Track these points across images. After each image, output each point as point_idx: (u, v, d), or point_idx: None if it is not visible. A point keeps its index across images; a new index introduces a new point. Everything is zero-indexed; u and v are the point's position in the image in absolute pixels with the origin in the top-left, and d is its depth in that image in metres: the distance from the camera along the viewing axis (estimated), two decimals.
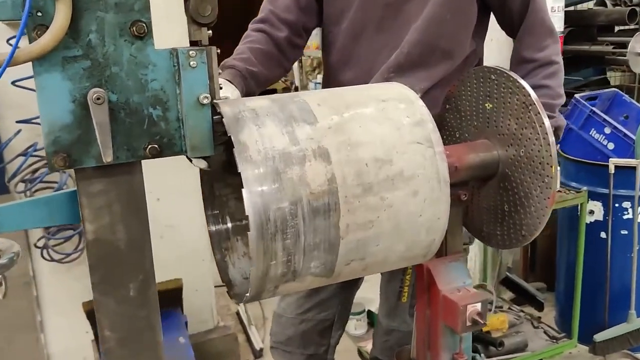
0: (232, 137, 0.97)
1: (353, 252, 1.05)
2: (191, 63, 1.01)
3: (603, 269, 2.82)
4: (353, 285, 1.76)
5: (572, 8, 3.91)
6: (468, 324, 1.24)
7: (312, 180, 0.99)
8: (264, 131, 1.00)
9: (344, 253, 1.03)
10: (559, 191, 2.71)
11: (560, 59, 1.65)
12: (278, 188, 0.97)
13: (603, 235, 2.83)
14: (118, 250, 1.07)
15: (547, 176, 1.20)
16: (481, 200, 1.40)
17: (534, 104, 1.21)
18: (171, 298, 2.35)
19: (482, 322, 1.24)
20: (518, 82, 1.24)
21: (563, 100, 1.63)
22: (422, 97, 1.52)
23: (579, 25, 3.74)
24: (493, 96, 1.32)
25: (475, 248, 3.27)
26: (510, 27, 1.67)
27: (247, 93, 1.49)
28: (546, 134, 1.19)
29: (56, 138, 0.96)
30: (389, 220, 1.05)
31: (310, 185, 0.99)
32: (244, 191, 0.94)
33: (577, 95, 3.03)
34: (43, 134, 0.96)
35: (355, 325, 3.17)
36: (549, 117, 1.53)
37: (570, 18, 3.58)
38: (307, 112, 1.05)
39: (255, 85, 1.55)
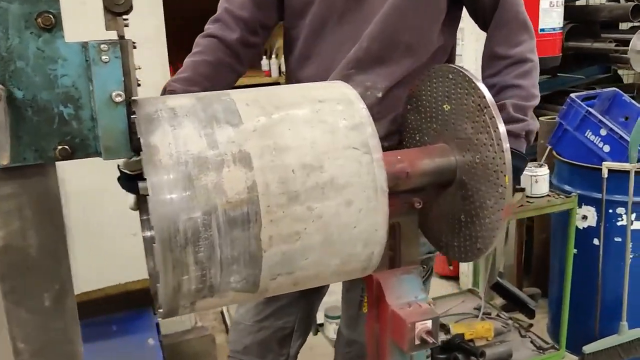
0: (141, 140, 0.90)
1: (279, 266, 0.96)
2: (103, 57, 0.93)
3: (595, 277, 2.71)
4: (315, 292, 1.67)
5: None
6: (417, 342, 1.15)
7: (230, 187, 0.90)
8: (179, 132, 0.92)
9: (268, 267, 0.95)
10: (547, 195, 2.60)
11: (535, 56, 1.54)
12: (190, 196, 0.88)
13: (596, 241, 2.72)
14: (29, 257, 0.99)
15: (501, 186, 1.10)
16: (440, 209, 1.31)
17: (489, 106, 1.11)
18: (140, 298, 2.29)
19: (432, 341, 1.15)
20: (474, 82, 1.15)
21: (537, 101, 1.52)
22: (383, 96, 1.44)
23: (580, 21, 3.61)
24: (451, 97, 1.23)
25: None
26: (483, 20, 1.56)
27: None
28: (500, 139, 1.09)
29: None
30: (319, 232, 0.97)
31: (227, 194, 0.90)
32: (149, 199, 0.86)
33: (572, 95, 2.90)
34: None
35: (335, 330, 3.08)
36: (518, 120, 1.43)
37: (571, 13, 3.45)
38: (232, 112, 0.97)
39: None
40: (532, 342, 2.67)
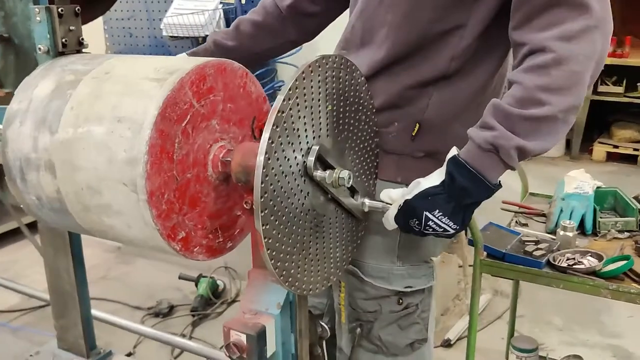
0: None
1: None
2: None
3: None
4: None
5: None
6: (229, 349, 1.13)
7: (45, 187, 1.13)
8: (22, 130, 1.13)
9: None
10: None
11: (568, 46, 1.01)
12: (24, 184, 1.16)
13: None
14: None
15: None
16: None
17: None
18: None
19: (237, 354, 1.11)
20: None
21: (542, 110, 1.02)
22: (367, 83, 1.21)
23: None
24: None
25: None
26: None
27: None
28: None
29: None
30: (116, 235, 1.10)
31: (45, 190, 1.13)
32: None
33: None
34: None
35: None
36: (487, 126, 1.06)
37: None
38: (57, 116, 1.09)
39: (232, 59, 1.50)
40: None
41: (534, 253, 1.60)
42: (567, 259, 1.59)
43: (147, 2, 2.87)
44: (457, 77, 1.22)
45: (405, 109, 1.25)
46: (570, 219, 1.76)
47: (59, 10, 1.21)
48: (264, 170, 0.91)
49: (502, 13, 1.17)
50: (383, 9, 1.24)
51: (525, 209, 1.94)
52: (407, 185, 1.18)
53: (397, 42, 1.23)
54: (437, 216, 1.08)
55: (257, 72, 2.42)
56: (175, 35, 2.66)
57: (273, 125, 0.91)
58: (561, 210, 1.82)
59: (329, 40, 1.56)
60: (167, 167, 1.00)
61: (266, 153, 0.91)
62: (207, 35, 2.60)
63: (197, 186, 1.07)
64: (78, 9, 1.24)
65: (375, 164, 1.27)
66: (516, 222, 1.88)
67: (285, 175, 0.97)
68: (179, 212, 1.05)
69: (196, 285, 3.06)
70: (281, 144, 0.94)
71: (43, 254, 1.56)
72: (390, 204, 1.15)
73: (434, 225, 1.09)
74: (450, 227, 1.09)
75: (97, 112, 1.04)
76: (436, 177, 1.10)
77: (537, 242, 1.67)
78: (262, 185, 0.91)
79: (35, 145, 1.11)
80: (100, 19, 2.84)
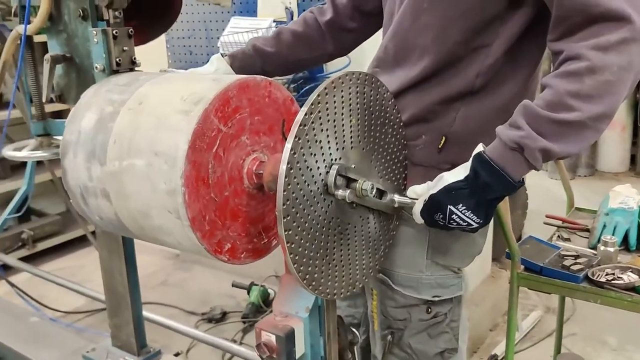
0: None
1: None
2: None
3: None
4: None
5: None
6: (260, 348, 1.20)
7: (105, 210, 1.23)
8: (77, 161, 1.24)
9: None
10: None
11: (600, 57, 1.02)
12: (88, 208, 1.27)
13: None
14: None
15: None
16: None
17: None
18: None
19: (267, 354, 1.18)
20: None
21: (571, 115, 1.05)
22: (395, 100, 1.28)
23: None
24: None
25: None
26: None
27: (254, 72, 1.50)
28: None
29: None
30: (172, 246, 1.20)
31: (105, 212, 1.24)
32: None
33: None
34: None
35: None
36: (514, 126, 1.11)
37: None
38: (103, 150, 1.18)
39: (268, 65, 1.57)
40: None
41: (572, 267, 1.59)
42: (607, 274, 1.57)
43: (206, 21, 3.02)
44: (483, 93, 1.26)
45: (433, 123, 1.29)
46: (613, 234, 1.74)
47: (114, 32, 1.32)
48: (286, 179, 0.97)
49: (527, 33, 1.23)
50: (415, 32, 1.30)
51: (568, 223, 1.93)
52: None
53: (428, 62, 1.28)
54: (460, 210, 1.12)
55: (306, 88, 2.50)
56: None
57: (295, 137, 0.98)
58: (604, 226, 1.79)
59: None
60: (204, 192, 1.07)
61: (288, 163, 0.97)
62: None
63: (235, 200, 1.14)
64: (131, 31, 1.36)
65: (403, 175, 1.31)
66: (558, 236, 1.87)
67: (308, 184, 1.03)
68: (222, 228, 1.12)
69: (248, 293, 3.16)
70: (303, 154, 1.00)
71: (99, 256, 1.69)
72: (417, 199, 1.19)
73: (457, 219, 1.12)
74: (474, 221, 1.13)
75: (137, 146, 1.13)
76: (460, 172, 1.14)
77: (576, 257, 1.66)
78: (285, 193, 0.98)
79: (90, 175, 1.21)
80: (162, 38, 3.01)
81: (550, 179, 4.87)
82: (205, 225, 1.09)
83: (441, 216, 1.13)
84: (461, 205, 1.11)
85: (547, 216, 1.97)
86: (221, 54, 1.61)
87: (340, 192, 1.08)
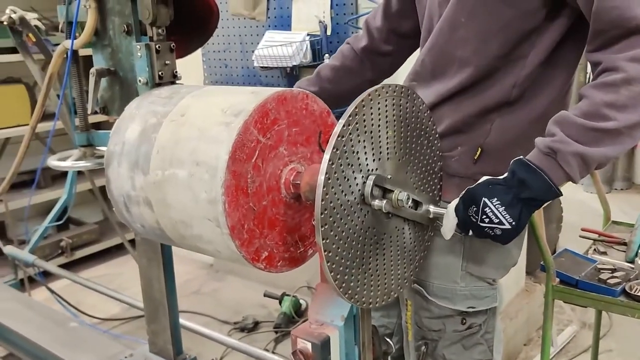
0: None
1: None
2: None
3: None
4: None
5: None
6: (296, 356, 1.23)
7: (147, 218, 1.28)
8: (120, 171, 1.29)
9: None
10: None
11: (636, 69, 1.04)
12: (130, 215, 1.32)
13: None
14: None
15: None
16: None
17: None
18: None
19: None
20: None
21: (608, 124, 1.07)
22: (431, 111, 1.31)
23: None
24: None
25: None
26: None
27: None
28: None
29: None
30: (211, 254, 1.24)
31: (147, 221, 1.29)
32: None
33: None
34: None
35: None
36: (549, 133, 1.14)
37: None
38: (147, 160, 1.23)
39: None
40: None
41: (609, 281, 1.58)
42: None
43: (241, 35, 3.08)
44: (519, 104, 1.27)
45: (469, 134, 1.31)
46: None
47: (157, 46, 1.37)
48: (324, 189, 1.00)
49: (563, 42, 1.24)
50: (453, 45, 1.32)
51: (604, 236, 1.90)
52: None
53: (466, 74, 1.30)
54: (494, 204, 1.12)
55: None
56: (266, 65, 2.83)
57: (333, 148, 1.01)
58: None
59: None
60: (243, 202, 1.11)
61: (326, 173, 1.00)
62: (294, 66, 2.77)
63: (273, 209, 1.17)
64: (173, 46, 1.41)
65: (439, 186, 1.32)
66: (594, 249, 1.85)
67: (345, 194, 1.05)
68: (260, 237, 1.15)
69: (280, 303, 3.18)
70: (341, 165, 1.03)
71: (138, 263, 1.74)
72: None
73: (490, 214, 1.12)
74: (506, 220, 1.12)
75: (179, 157, 1.17)
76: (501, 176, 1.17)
77: (613, 271, 1.65)
78: (323, 203, 1.00)
79: (133, 184, 1.26)
80: (199, 52, 3.08)
81: (586, 192, 4.79)
82: (244, 234, 1.12)
83: (475, 209, 1.13)
84: (496, 199, 1.12)
85: (582, 229, 1.95)
86: None
87: (376, 203, 1.09)
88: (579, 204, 4.38)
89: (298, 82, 1.70)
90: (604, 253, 1.82)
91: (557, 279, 1.64)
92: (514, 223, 1.12)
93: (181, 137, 1.19)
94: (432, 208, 1.23)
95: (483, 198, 1.13)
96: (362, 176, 1.09)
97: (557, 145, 1.09)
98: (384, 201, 1.10)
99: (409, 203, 1.16)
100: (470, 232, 1.16)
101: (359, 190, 1.08)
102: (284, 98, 1.16)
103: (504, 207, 1.11)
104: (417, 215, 1.22)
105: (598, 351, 2.21)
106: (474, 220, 1.14)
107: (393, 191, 1.13)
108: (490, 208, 1.12)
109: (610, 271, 1.64)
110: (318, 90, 1.61)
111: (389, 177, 1.14)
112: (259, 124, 1.12)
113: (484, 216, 1.13)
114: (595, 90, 1.08)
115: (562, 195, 1.14)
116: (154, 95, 1.34)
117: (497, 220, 1.12)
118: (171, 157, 1.19)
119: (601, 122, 1.06)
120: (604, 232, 1.96)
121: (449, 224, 1.18)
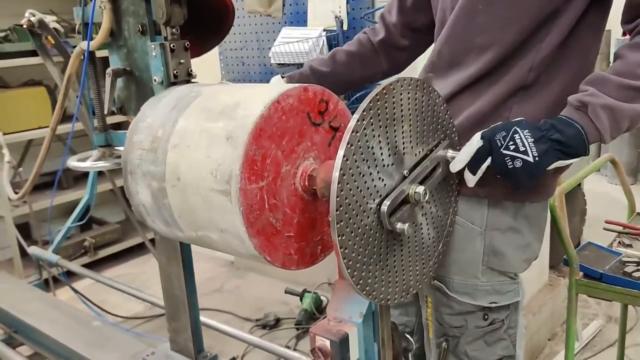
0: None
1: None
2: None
3: None
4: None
5: None
6: (314, 353, 1.22)
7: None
8: (159, 225, 1.30)
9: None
10: None
11: None
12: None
13: None
14: None
15: None
16: None
17: None
18: None
19: (322, 359, 1.19)
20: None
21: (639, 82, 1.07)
22: (447, 103, 1.29)
23: None
24: None
25: None
26: None
27: None
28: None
29: None
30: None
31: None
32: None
33: None
34: None
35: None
36: (581, 90, 1.16)
37: None
38: (175, 222, 1.24)
39: (324, 84, 1.55)
40: None
41: (634, 274, 1.55)
42: None
43: (257, 32, 3.08)
44: (534, 89, 1.27)
45: (487, 124, 1.28)
46: None
47: (171, 46, 1.37)
48: (339, 185, 0.99)
49: (579, 24, 1.25)
50: (470, 32, 1.30)
51: (630, 229, 1.87)
52: (490, 200, 1.26)
53: (484, 61, 1.29)
54: (524, 134, 1.13)
55: (356, 96, 2.52)
56: (282, 62, 2.82)
57: (347, 144, 0.99)
58: None
59: None
60: (270, 232, 1.11)
61: (341, 169, 0.99)
62: None
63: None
64: (187, 44, 1.40)
65: (456, 180, 1.30)
66: (619, 242, 1.81)
67: (361, 190, 1.04)
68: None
69: (301, 300, 3.19)
70: (356, 161, 1.01)
71: (158, 262, 1.74)
72: None
73: (518, 141, 1.12)
74: (531, 151, 1.11)
75: (201, 224, 1.18)
76: None
77: (639, 264, 1.61)
78: (338, 199, 0.99)
79: (176, 235, 1.29)
80: (216, 50, 3.08)
81: (610, 184, 4.71)
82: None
83: (503, 134, 1.14)
84: (527, 131, 1.13)
85: (606, 222, 1.91)
86: (281, 76, 1.66)
87: (399, 226, 1.08)
88: (603, 196, 4.30)
89: (310, 60, 1.69)
90: (629, 246, 1.79)
91: (581, 273, 1.61)
92: (537, 157, 1.12)
93: (192, 205, 1.17)
94: (449, 152, 1.22)
95: (514, 126, 1.14)
96: (378, 171, 1.07)
97: (587, 99, 1.11)
98: (406, 225, 1.07)
99: (427, 198, 1.14)
100: (488, 161, 1.15)
101: (375, 186, 1.07)
102: (259, 131, 1.06)
103: (533, 140, 1.12)
104: (439, 176, 1.21)
105: (624, 345, 2.17)
106: (499, 144, 1.14)
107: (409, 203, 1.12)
108: (520, 135, 1.13)
109: (635, 264, 1.61)
110: (330, 71, 1.62)
111: (405, 173, 1.13)
112: (252, 175, 1.06)
113: (511, 142, 1.13)
114: (630, 51, 1.11)
115: (588, 154, 1.14)
116: (137, 146, 1.27)
117: (522, 149, 1.12)
118: (194, 222, 1.19)
119: (635, 80, 1.08)
120: (628, 224, 1.92)
121: (469, 149, 1.17)
